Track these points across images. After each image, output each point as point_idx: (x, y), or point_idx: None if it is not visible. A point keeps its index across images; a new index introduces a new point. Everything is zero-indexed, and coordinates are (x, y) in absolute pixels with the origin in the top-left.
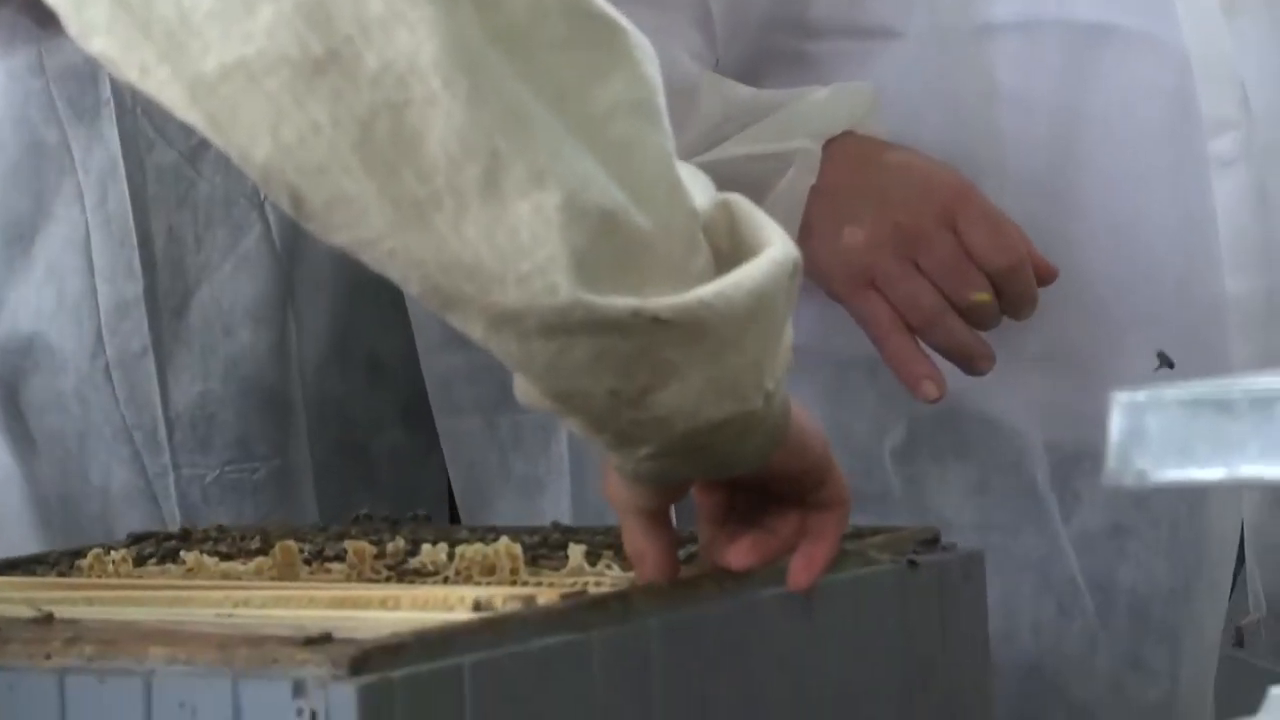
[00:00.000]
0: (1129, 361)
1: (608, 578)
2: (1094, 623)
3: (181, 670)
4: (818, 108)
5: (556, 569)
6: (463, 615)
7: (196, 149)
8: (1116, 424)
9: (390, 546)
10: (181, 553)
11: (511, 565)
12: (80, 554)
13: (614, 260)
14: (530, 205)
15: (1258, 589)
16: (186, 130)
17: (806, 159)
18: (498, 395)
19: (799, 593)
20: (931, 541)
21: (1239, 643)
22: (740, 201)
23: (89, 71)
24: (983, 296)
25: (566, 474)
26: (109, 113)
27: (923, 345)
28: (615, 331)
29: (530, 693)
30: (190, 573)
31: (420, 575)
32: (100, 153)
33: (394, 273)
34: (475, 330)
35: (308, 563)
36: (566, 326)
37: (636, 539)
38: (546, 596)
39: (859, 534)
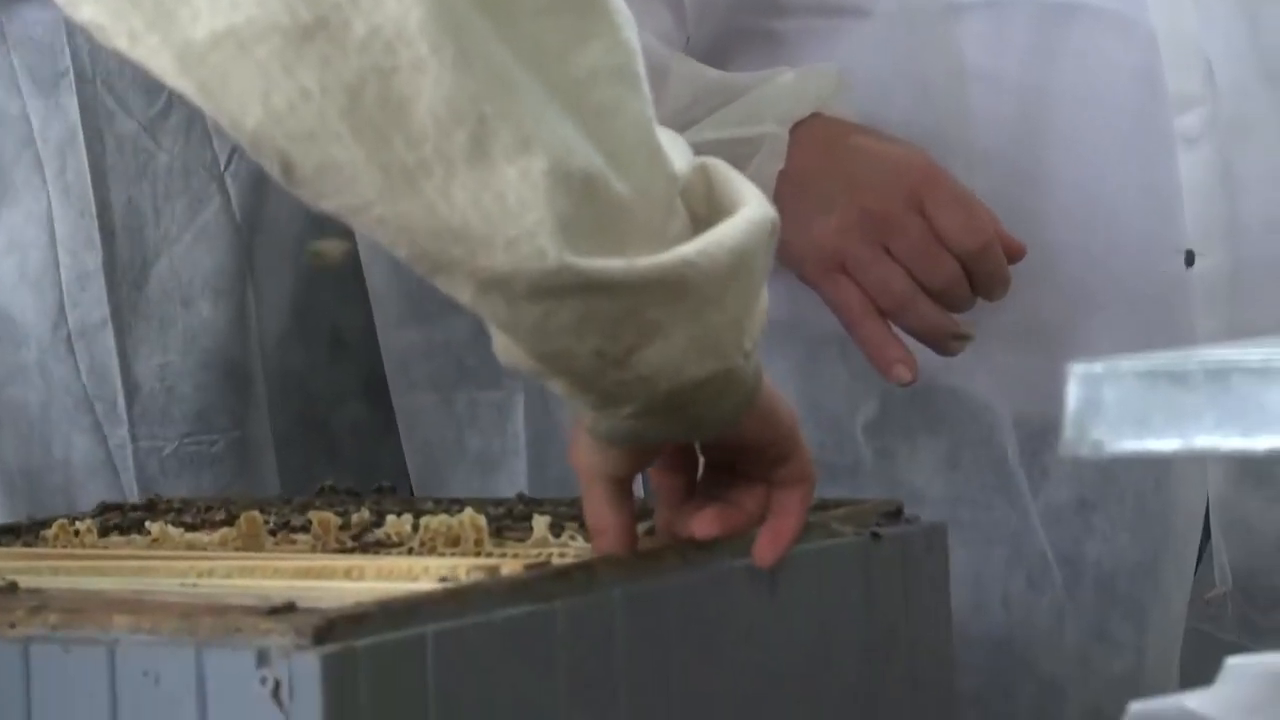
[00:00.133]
0: (1096, 336)
1: (571, 549)
2: (1062, 595)
3: (145, 639)
4: (785, 90)
5: (521, 540)
6: (427, 585)
7: (156, 120)
8: (1073, 395)
9: (355, 518)
10: (146, 523)
11: (476, 536)
12: (46, 524)
13: (596, 224)
14: (517, 170)
15: (1223, 563)
16: (146, 101)
17: (774, 144)
18: (454, 373)
19: (764, 569)
20: (895, 514)
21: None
22: (718, 165)
23: (49, 41)
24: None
25: (523, 452)
26: (68, 83)
27: (894, 328)
28: (602, 293)
29: (494, 663)
30: (155, 543)
31: (385, 546)
32: (59, 123)
33: (383, 238)
34: (464, 294)
35: (273, 534)
36: (554, 290)
37: (599, 507)
38: (510, 567)
39: (823, 506)
